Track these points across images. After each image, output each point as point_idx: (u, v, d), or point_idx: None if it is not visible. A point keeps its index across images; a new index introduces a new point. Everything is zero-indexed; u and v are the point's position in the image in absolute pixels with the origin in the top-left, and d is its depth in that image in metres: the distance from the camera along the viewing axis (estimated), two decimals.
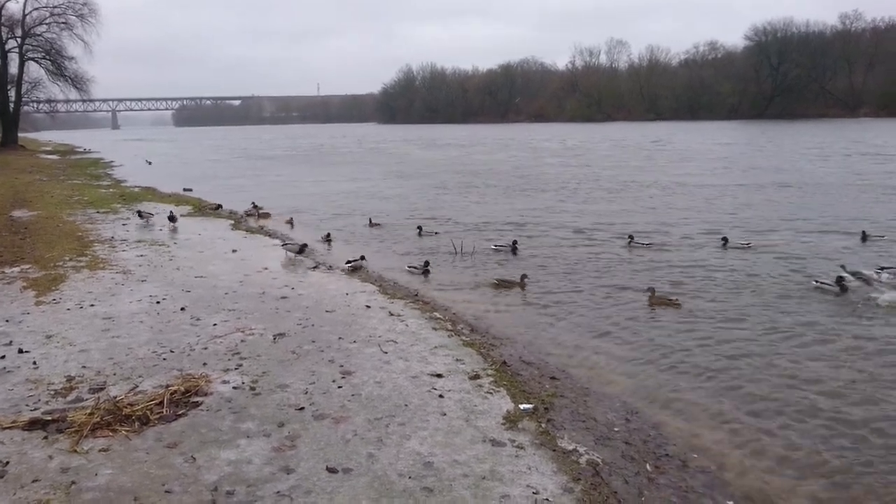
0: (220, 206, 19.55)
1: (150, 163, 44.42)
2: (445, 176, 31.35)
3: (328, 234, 15.24)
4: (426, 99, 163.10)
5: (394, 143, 68.30)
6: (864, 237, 13.58)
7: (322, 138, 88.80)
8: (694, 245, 13.77)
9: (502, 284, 10.76)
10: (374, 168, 37.96)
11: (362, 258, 12.22)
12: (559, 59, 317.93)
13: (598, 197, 22.53)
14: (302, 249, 12.30)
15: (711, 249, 13.20)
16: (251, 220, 18.06)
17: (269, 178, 33.04)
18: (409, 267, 12.07)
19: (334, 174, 34.65)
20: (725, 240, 13.42)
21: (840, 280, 9.87)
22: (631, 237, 14.07)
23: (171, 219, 15.52)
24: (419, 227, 16.09)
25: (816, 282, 10.23)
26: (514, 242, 13.43)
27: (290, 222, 17.56)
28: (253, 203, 19.92)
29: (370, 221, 17.82)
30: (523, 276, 10.77)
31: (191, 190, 25.57)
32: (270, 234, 15.25)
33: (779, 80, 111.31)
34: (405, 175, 32.89)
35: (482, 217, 18.41)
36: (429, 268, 11.83)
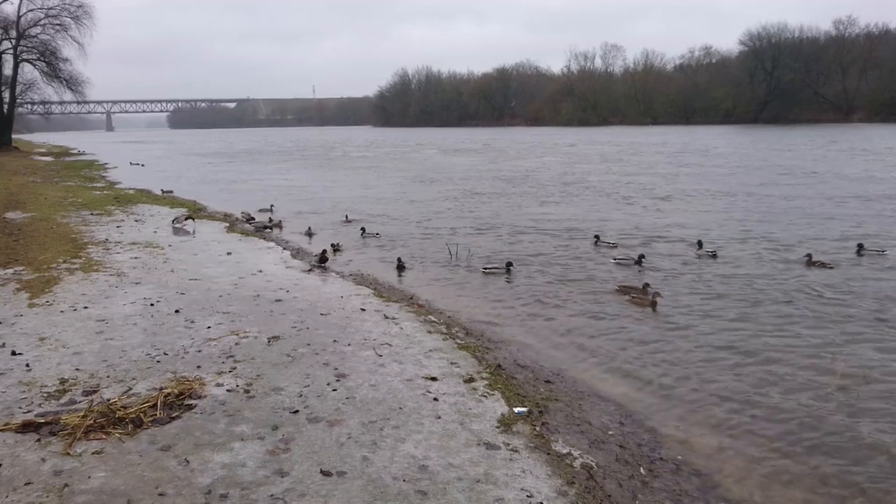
0: (252, 218, 18.27)
1: (142, 165, 44.34)
2: (482, 182, 29.32)
3: (338, 244, 14.44)
4: (422, 102, 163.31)
5: (410, 148, 65.32)
6: (860, 250, 12.92)
7: (327, 141, 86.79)
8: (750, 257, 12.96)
9: (624, 290, 10.26)
10: (397, 174, 35.51)
11: (399, 261, 12.46)
12: (553, 61, 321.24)
13: (649, 206, 20.75)
14: (323, 259, 11.97)
15: (744, 259, 13.16)
16: (274, 231, 16.81)
17: (276, 182, 31.85)
18: (487, 268, 12.00)
19: (353, 179, 32.85)
20: (700, 243, 13.45)
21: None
22: (597, 237, 14.60)
23: (278, 225, 16.10)
24: (363, 229, 16.34)
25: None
26: (641, 256, 12.46)
27: (309, 233, 16.42)
28: (270, 213, 19.75)
29: (346, 217, 18.69)
30: (646, 285, 10.21)
31: (171, 192, 25.36)
32: (266, 238, 15.23)
33: (773, 85, 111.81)
34: (436, 181, 30.67)
35: (535, 223, 17.52)
36: (511, 266, 11.87)
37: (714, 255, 12.89)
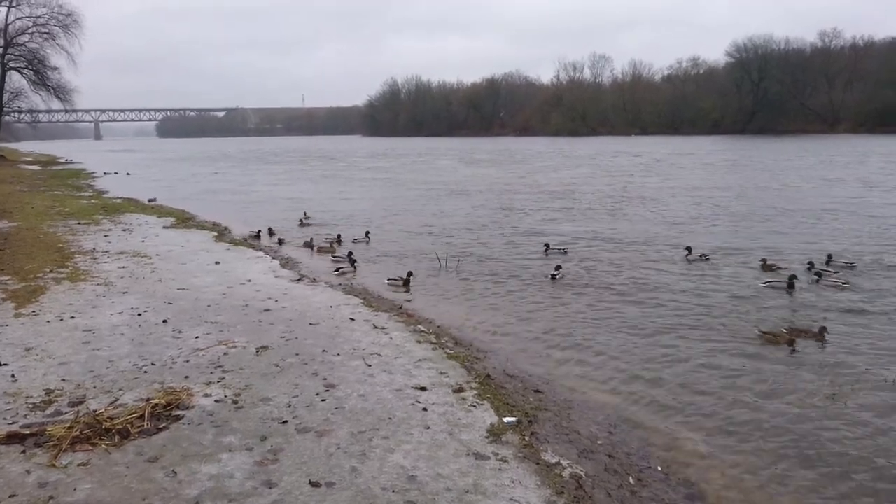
0: (258, 234, 17.07)
1: (128, 174, 44.30)
2: (523, 196, 26.72)
3: (350, 253, 13.93)
4: (411, 111, 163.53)
5: (421, 158, 61.08)
6: (829, 260, 12.83)
7: (327, 151, 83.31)
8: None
9: (795, 333, 8.47)
10: (421, 186, 32.46)
11: (409, 275, 11.94)
12: (542, 71, 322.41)
13: (727, 225, 18.68)
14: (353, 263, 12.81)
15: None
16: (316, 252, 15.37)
17: (285, 194, 29.95)
18: (553, 273, 11.99)
19: (371, 192, 30.66)
20: (689, 250, 13.82)
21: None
22: (547, 245, 14.86)
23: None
24: (367, 233, 17.06)
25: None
26: (793, 277, 10.98)
27: (336, 243, 15.51)
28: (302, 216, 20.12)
29: (303, 218, 19.73)
30: (822, 329, 8.48)
31: (154, 199, 25.79)
32: (255, 247, 15.18)
33: (760, 96, 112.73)
34: (468, 193, 28.39)
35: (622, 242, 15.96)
36: (559, 271, 12.01)
37: (707, 258, 13.45)
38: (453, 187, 31.67)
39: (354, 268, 13.00)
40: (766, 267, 12.51)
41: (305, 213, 21.06)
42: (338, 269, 12.85)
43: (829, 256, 13.01)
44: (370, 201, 26.59)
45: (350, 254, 13.70)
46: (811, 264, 12.37)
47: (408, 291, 11.46)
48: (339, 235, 16.58)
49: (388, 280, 11.96)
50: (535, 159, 55.54)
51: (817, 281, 11.39)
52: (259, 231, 17.18)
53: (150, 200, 25.57)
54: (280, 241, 16.44)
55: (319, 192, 31.41)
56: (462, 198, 27.01)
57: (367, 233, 17.01)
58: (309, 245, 15.86)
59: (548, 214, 21.49)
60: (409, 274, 12.00)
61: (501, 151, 70.44)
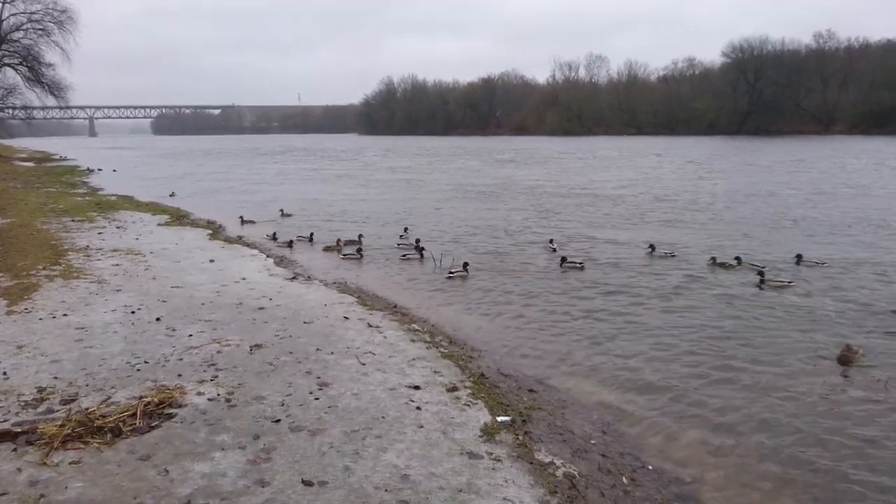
0: (312, 236, 16.39)
1: (114, 171, 44.51)
2: (557, 200, 24.71)
3: (359, 249, 14.29)
4: (407, 111, 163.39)
5: (439, 158, 57.94)
6: (799, 260, 12.85)
7: (332, 150, 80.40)
8: None
9: None
10: (454, 189, 29.84)
11: (465, 266, 12.51)
12: (538, 72, 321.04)
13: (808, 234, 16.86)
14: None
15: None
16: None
17: (298, 194, 28.17)
18: (569, 263, 12.87)
19: (397, 193, 28.73)
20: (652, 247, 14.22)
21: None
22: (551, 241, 15.38)
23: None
24: (405, 229, 17.52)
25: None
26: (760, 276, 10.63)
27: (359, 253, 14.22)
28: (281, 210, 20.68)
29: (281, 212, 20.45)
30: None
31: (174, 194, 27.30)
32: (249, 245, 15.13)
33: (755, 97, 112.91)
34: (499, 196, 26.68)
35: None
36: (579, 264, 12.90)
37: (673, 255, 13.88)
38: (482, 189, 29.62)
39: (422, 256, 14.09)
40: (718, 265, 12.75)
41: (282, 210, 21.63)
42: (404, 255, 14.30)
43: (799, 256, 13.10)
44: (399, 202, 25.06)
45: (421, 247, 14.57)
46: (738, 259, 12.89)
47: (466, 278, 12.15)
48: (418, 240, 15.54)
49: (450, 273, 12.36)
50: (560, 160, 52.57)
51: (761, 281, 11.30)
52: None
53: (171, 195, 27.10)
54: (276, 239, 16.10)
55: (338, 193, 29.26)
56: (499, 200, 25.25)
57: (406, 229, 17.43)
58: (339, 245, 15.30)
59: (595, 219, 19.79)
60: (466, 264, 12.62)
61: (517, 151, 68.23)
